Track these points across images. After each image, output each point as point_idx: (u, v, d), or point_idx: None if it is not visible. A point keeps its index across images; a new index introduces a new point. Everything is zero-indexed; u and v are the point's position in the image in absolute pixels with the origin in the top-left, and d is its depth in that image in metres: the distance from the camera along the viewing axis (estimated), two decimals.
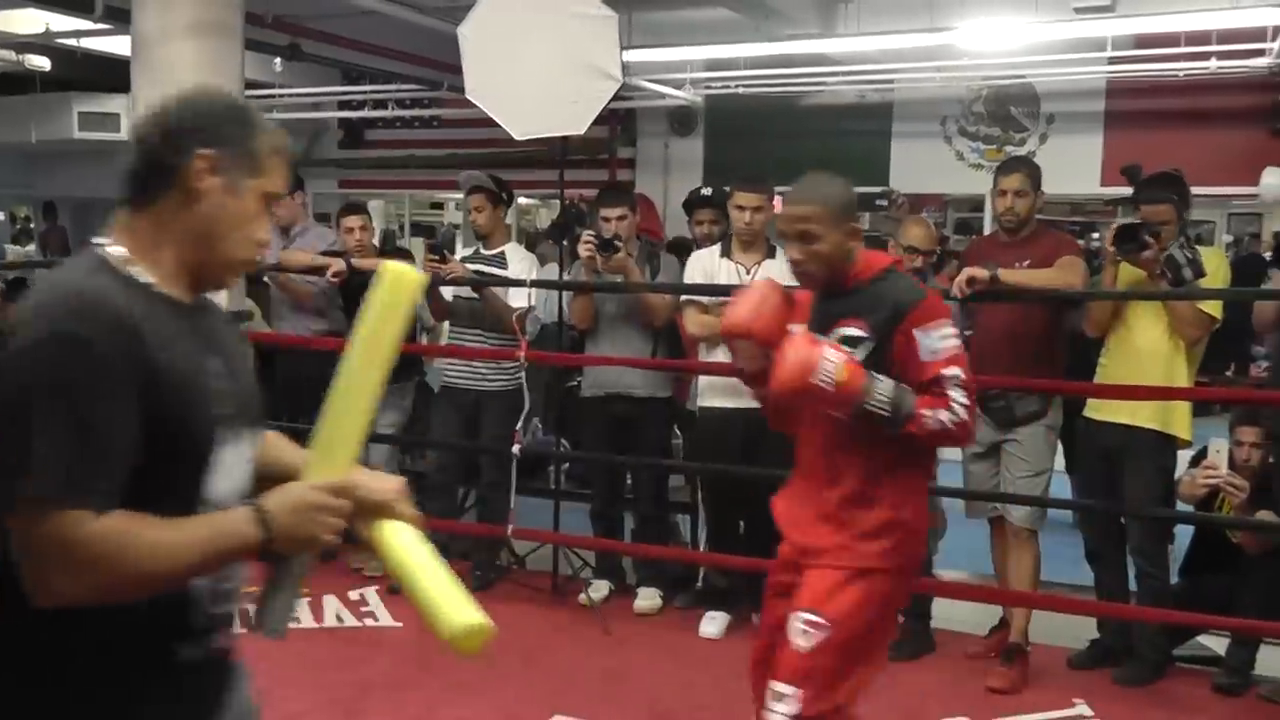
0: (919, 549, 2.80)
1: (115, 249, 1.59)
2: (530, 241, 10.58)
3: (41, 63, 9.29)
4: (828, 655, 2.62)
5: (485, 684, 4.13)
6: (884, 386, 2.56)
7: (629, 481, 5.47)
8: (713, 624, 4.79)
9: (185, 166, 1.58)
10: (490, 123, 5.07)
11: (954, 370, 2.59)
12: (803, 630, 2.64)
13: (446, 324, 5.63)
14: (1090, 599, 4.57)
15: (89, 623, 1.48)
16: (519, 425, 5.00)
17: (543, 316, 5.44)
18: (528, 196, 11.77)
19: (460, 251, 5.44)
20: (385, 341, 1.70)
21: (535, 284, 5.10)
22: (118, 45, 7.63)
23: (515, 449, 4.94)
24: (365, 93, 10.39)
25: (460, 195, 5.65)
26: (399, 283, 1.71)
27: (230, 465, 1.62)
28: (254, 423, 1.71)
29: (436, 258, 5.04)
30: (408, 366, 5.59)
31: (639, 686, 4.23)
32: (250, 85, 7.33)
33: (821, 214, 2.68)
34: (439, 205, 14.55)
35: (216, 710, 1.70)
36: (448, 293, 5.23)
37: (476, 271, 5.16)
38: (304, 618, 4.85)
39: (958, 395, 2.58)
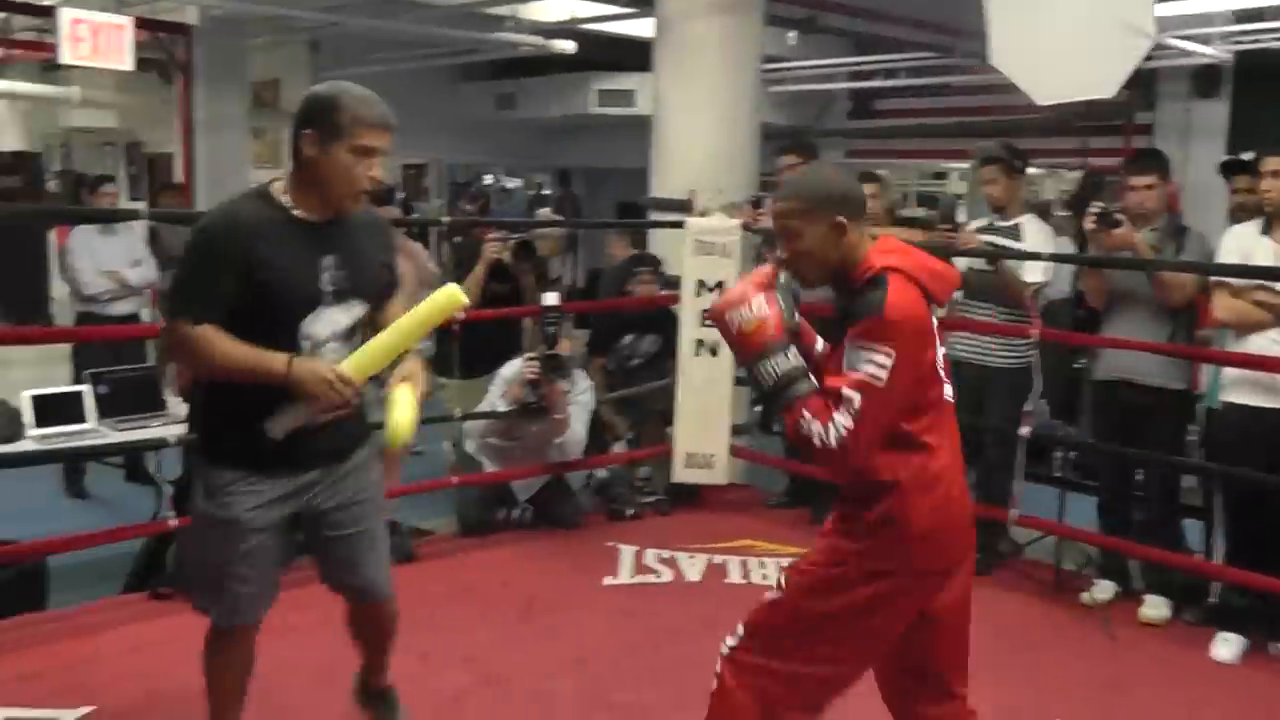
0: (921, 555, 2.48)
1: (278, 185, 2.70)
2: (1037, 213, 10.09)
3: (567, 46, 10.03)
4: (774, 613, 2.56)
5: (981, 672, 3.93)
6: (786, 364, 2.41)
7: (1138, 476, 5.04)
8: (1226, 647, 4.28)
9: (297, 141, 2.62)
10: (999, 89, 4.85)
11: (853, 394, 2.32)
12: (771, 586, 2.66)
13: None
14: None
15: (226, 399, 2.71)
16: (1028, 406, 4.74)
17: (1053, 293, 5.14)
18: (1034, 167, 11.25)
19: (973, 223, 5.24)
20: (420, 325, 2.71)
21: (1052, 258, 4.81)
22: (636, 27, 8.06)
23: (1024, 431, 4.69)
24: (876, 62, 10.33)
25: (964, 165, 5.46)
26: (449, 301, 2.69)
27: (327, 320, 2.69)
28: (361, 296, 2.75)
29: (948, 227, 4.89)
30: None
31: (1141, 703, 3.90)
32: (766, 60, 7.44)
33: (799, 209, 2.48)
34: (941, 175, 14.30)
35: (303, 466, 2.77)
36: (960, 264, 5.06)
37: (989, 243, 4.95)
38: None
39: (842, 418, 2.32)
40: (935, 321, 2.49)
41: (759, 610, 2.60)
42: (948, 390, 2.54)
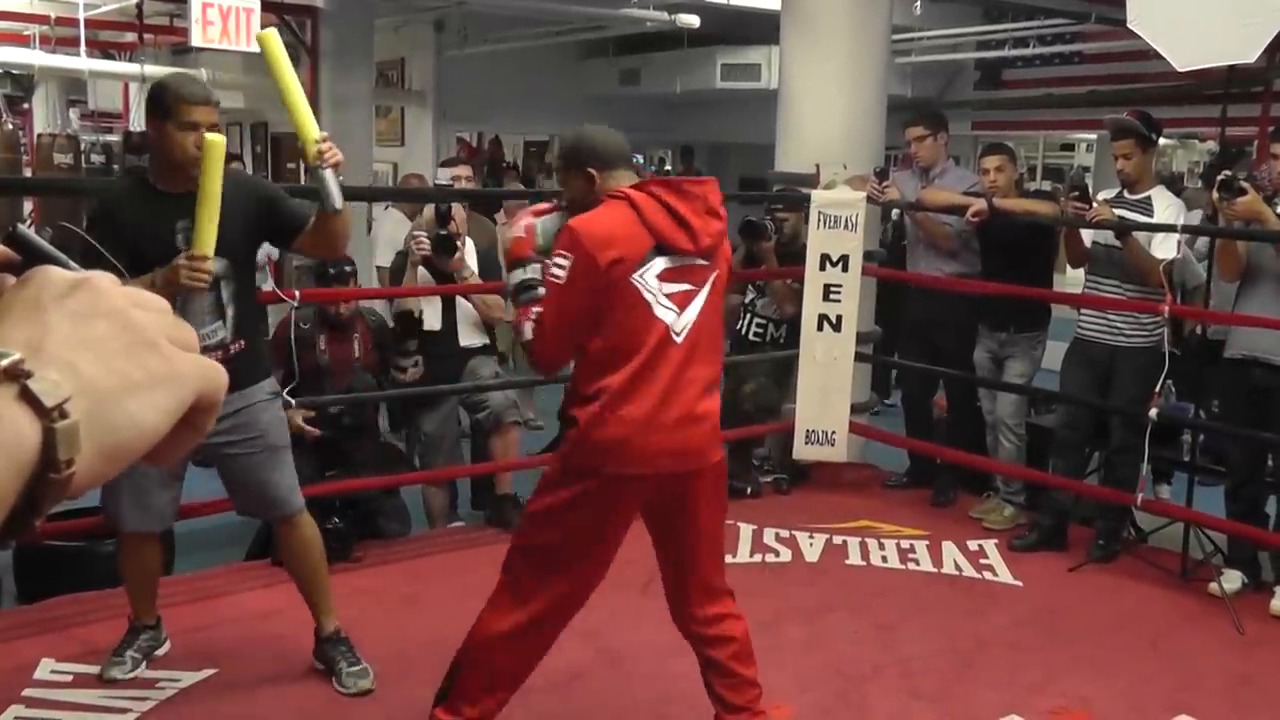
0: (609, 461, 2.74)
1: (149, 164, 3.43)
2: (1166, 186, 9.71)
3: (691, 20, 9.94)
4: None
5: (1107, 661, 3.88)
6: (524, 275, 2.80)
7: (1270, 462, 4.82)
8: None
9: (148, 128, 3.31)
10: (1132, 57, 4.67)
11: (542, 290, 2.75)
12: None
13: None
14: None
15: None
16: (1157, 388, 4.57)
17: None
18: (1164, 137, 10.82)
19: (1100, 194, 5.06)
20: (211, 182, 2.99)
21: (1185, 229, 4.63)
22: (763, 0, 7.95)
23: (1151, 413, 4.52)
24: (1006, 31, 10.06)
25: (1092, 136, 5.25)
26: (214, 147, 3.01)
27: None
28: (221, 253, 3.10)
29: (1078, 200, 4.73)
30: (1041, 316, 5.35)
31: (1273, 697, 3.73)
32: (892, 30, 7.25)
33: (561, 165, 2.96)
34: (1069, 147, 13.89)
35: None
36: (1086, 237, 4.88)
37: (1119, 217, 4.76)
38: (922, 561, 4.83)
39: (537, 310, 2.74)
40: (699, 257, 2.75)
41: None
42: (671, 318, 2.73)
